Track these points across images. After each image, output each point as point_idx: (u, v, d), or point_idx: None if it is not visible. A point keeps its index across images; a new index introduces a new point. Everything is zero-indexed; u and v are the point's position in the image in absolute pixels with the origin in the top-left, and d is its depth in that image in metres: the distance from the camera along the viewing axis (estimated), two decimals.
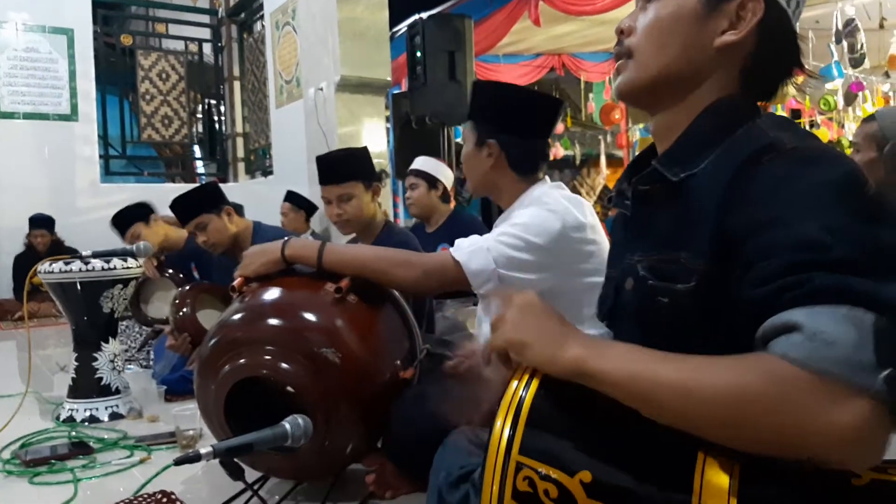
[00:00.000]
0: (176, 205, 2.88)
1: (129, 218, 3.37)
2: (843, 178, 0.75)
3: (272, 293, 1.62)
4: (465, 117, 1.84)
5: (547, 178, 1.79)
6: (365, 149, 2.67)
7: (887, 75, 8.02)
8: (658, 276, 0.86)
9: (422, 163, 3.61)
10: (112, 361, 2.52)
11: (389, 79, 5.14)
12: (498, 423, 0.77)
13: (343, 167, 2.51)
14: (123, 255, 2.51)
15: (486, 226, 3.79)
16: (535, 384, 0.80)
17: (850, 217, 0.72)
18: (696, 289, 0.80)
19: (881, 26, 6.95)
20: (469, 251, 1.58)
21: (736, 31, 0.89)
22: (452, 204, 3.73)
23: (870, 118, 2.75)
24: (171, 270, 3.49)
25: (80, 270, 2.40)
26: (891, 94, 8.39)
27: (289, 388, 1.50)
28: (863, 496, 0.69)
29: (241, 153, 7.49)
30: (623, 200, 1.01)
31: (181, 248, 3.51)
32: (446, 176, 3.58)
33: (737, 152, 0.82)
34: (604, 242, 1.67)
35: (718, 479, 0.71)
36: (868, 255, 0.69)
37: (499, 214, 1.84)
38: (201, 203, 2.83)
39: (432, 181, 3.51)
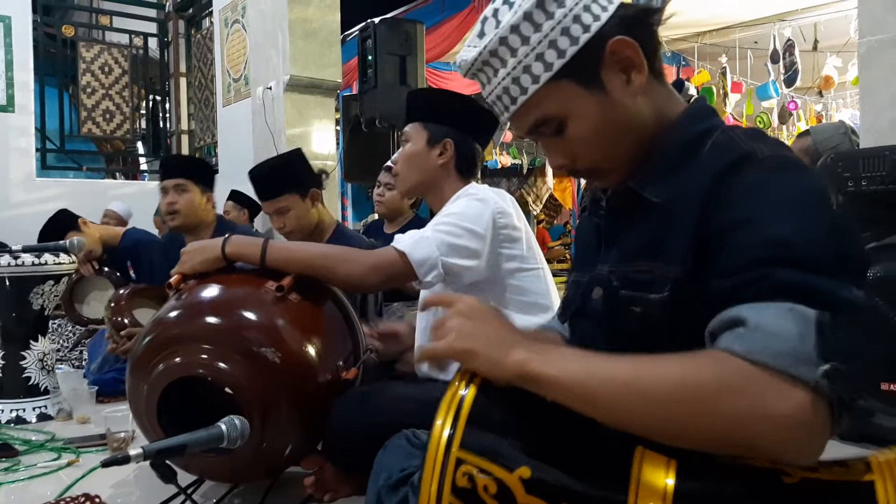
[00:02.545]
0: (168, 160, 3.23)
1: (60, 231, 3.23)
2: (815, 188, 0.78)
3: (210, 290, 1.57)
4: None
5: (475, 182, 1.87)
6: (297, 154, 2.59)
7: (820, 95, 8.35)
8: (631, 286, 0.87)
9: None
10: (41, 360, 2.42)
11: (340, 80, 5.10)
12: (438, 422, 0.77)
13: (273, 182, 2.47)
14: (56, 250, 2.41)
15: None
16: (475, 384, 0.79)
17: (819, 224, 0.74)
18: (669, 297, 0.82)
19: (815, 48, 7.23)
20: (412, 242, 1.60)
21: (636, 70, 0.90)
22: None
23: (804, 133, 2.87)
24: (107, 269, 3.38)
25: (9, 265, 2.30)
26: (823, 113, 8.73)
27: (226, 389, 1.46)
28: (794, 494, 0.70)
29: (185, 151, 7.31)
30: (597, 210, 1.02)
31: (116, 246, 3.41)
32: None
33: (713, 163, 0.83)
34: (527, 231, 1.77)
35: (654, 476, 0.71)
36: (830, 259, 0.71)
37: None
38: (192, 171, 2.92)
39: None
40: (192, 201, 2.84)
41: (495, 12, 0.92)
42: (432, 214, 1.88)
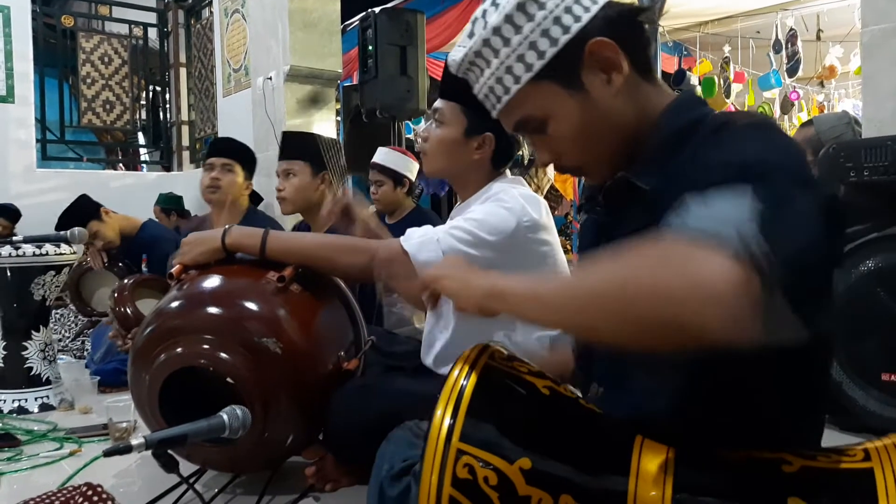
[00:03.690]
0: (222, 140, 3.33)
1: (81, 217, 3.22)
2: (789, 144, 0.79)
3: (212, 281, 1.57)
4: (416, 111, 1.82)
5: (508, 172, 1.75)
6: (334, 141, 2.72)
7: (822, 85, 8.31)
8: None
9: (385, 157, 3.41)
10: (43, 351, 2.43)
11: (340, 70, 5.08)
12: (438, 413, 0.77)
13: (296, 144, 2.55)
14: (57, 240, 2.41)
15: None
16: (475, 375, 0.79)
17: (783, 158, 0.75)
18: None
19: (818, 38, 7.20)
20: (419, 242, 1.54)
21: (616, 70, 0.91)
22: None
23: (808, 123, 2.86)
24: (121, 263, 3.39)
25: (10, 256, 2.30)
26: (825, 103, 8.70)
27: (228, 379, 1.46)
28: (792, 481, 0.70)
29: (186, 141, 7.30)
30: (594, 206, 1.02)
31: (133, 236, 3.40)
32: (411, 170, 3.43)
33: (699, 142, 0.84)
34: (556, 244, 1.66)
35: (654, 465, 0.71)
36: (783, 173, 0.71)
37: (449, 211, 1.81)
38: (242, 156, 3.01)
39: (399, 178, 3.36)
40: (234, 182, 2.91)
41: (484, 13, 0.94)
42: (450, 205, 1.83)
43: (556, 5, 0.89)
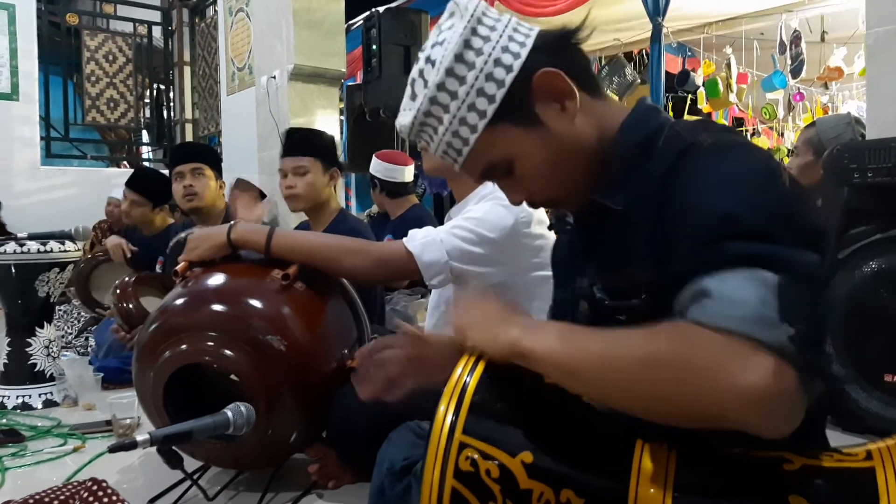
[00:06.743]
0: (182, 146, 3.15)
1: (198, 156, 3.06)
2: (756, 163, 0.79)
3: (217, 278, 1.58)
4: None
5: None
6: (332, 137, 2.71)
7: (826, 86, 8.29)
8: (613, 295, 0.88)
9: (375, 168, 3.55)
10: (47, 347, 2.44)
11: (344, 70, 5.09)
12: (441, 408, 0.77)
13: (307, 141, 2.54)
14: (61, 238, 2.42)
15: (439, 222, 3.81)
16: (479, 370, 0.80)
17: (762, 194, 0.75)
18: (648, 300, 0.82)
19: (822, 39, 7.19)
20: (423, 242, 1.57)
21: (567, 97, 0.90)
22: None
23: (810, 125, 2.87)
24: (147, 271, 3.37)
25: (15, 252, 2.31)
26: (829, 104, 8.68)
27: (232, 376, 1.47)
28: (794, 481, 0.71)
29: (189, 140, 7.33)
30: (564, 226, 1.02)
31: (155, 235, 3.37)
32: (404, 174, 3.54)
33: (661, 164, 0.84)
34: (551, 236, 1.69)
35: (655, 465, 0.72)
36: (778, 226, 0.72)
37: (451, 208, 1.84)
38: (207, 157, 2.97)
39: (392, 191, 3.51)
40: (208, 185, 2.87)
41: (421, 72, 0.92)
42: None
43: (492, 48, 0.88)
